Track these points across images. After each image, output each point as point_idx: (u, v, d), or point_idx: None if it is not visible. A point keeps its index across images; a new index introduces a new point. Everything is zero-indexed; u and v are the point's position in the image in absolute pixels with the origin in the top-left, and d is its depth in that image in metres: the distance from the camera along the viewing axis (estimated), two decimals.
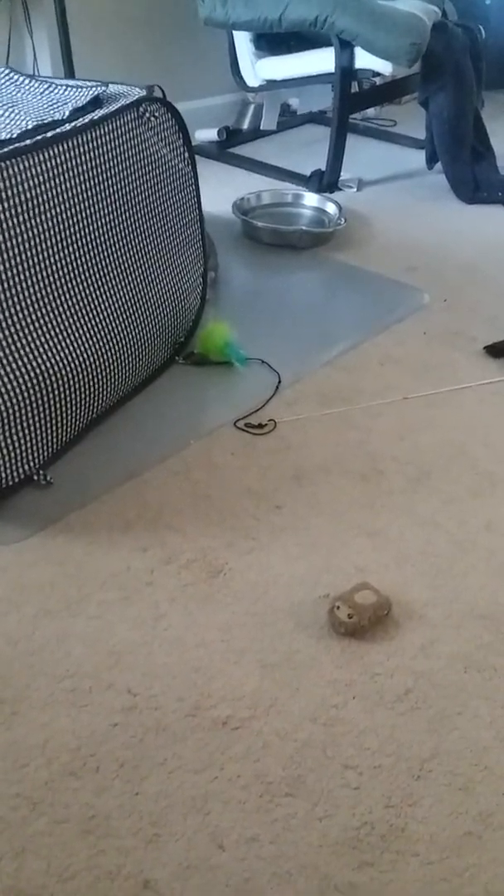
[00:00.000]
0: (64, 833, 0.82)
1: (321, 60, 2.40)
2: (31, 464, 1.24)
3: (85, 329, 1.26)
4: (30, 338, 1.15)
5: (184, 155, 1.45)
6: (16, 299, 1.11)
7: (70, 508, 1.23)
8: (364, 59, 2.32)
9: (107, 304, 1.30)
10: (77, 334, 1.24)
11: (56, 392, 1.22)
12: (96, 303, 1.28)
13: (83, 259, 1.22)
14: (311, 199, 2.38)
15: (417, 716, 0.94)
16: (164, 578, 1.12)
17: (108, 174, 1.24)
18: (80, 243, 1.21)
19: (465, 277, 2.03)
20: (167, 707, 0.94)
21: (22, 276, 1.11)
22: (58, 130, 1.15)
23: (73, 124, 1.18)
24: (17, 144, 1.08)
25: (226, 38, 2.61)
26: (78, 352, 1.24)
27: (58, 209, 1.15)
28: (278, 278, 1.99)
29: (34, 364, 1.16)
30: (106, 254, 1.27)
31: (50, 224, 1.14)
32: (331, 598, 1.08)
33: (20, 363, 1.14)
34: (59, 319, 1.20)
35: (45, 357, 1.18)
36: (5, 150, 1.06)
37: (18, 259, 1.10)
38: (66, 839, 0.81)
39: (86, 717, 0.93)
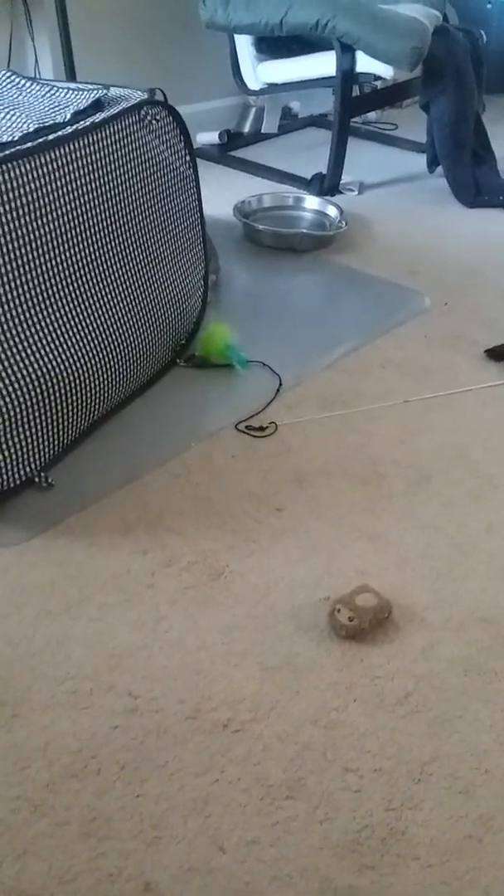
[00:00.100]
0: (65, 835, 0.82)
1: (322, 64, 2.41)
2: (33, 466, 1.24)
3: (86, 331, 1.26)
4: (31, 340, 1.15)
5: (185, 158, 1.45)
6: (17, 302, 1.11)
7: (71, 511, 1.23)
8: (365, 63, 2.33)
9: (108, 306, 1.30)
10: (78, 337, 1.24)
11: (57, 394, 1.22)
12: (97, 305, 1.28)
13: (84, 261, 1.23)
14: (312, 202, 2.38)
15: (418, 719, 0.94)
16: (165, 581, 1.12)
17: (110, 177, 1.24)
18: (81, 246, 1.21)
19: (466, 281, 2.03)
20: (168, 710, 0.94)
21: (23, 279, 1.11)
22: (59, 133, 1.15)
23: (74, 127, 1.18)
24: (18, 147, 1.09)
25: (227, 42, 2.62)
26: (79, 354, 1.25)
27: (59, 212, 1.15)
28: (279, 281, 2.00)
29: (36, 366, 1.17)
30: (107, 256, 1.28)
31: (51, 227, 1.14)
32: (331, 600, 1.08)
33: (22, 365, 1.14)
34: (60, 322, 1.20)
35: (46, 359, 1.18)
36: (7, 152, 1.06)
37: (20, 261, 1.10)
38: (67, 841, 0.81)
39: (86, 720, 0.93)
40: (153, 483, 1.30)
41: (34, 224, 1.10)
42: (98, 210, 1.23)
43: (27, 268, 1.11)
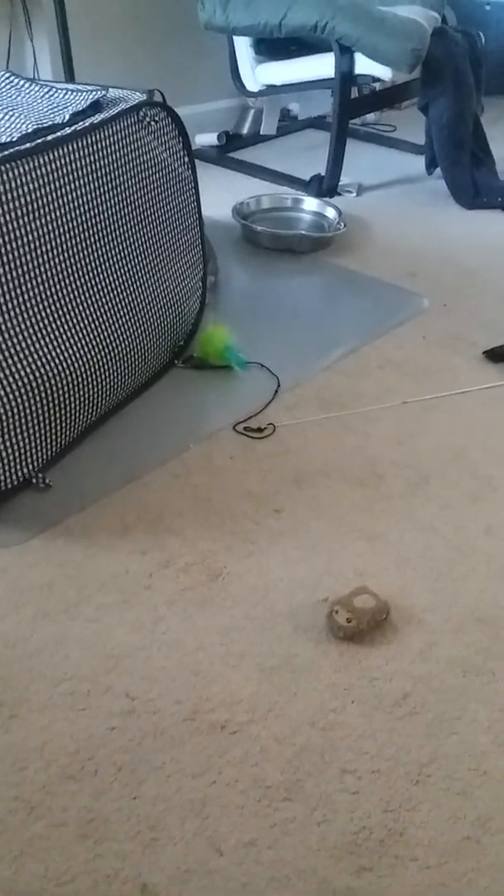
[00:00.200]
0: (62, 836, 0.82)
1: (321, 66, 2.41)
2: (31, 467, 1.24)
3: (84, 332, 1.26)
4: (29, 341, 1.15)
5: (184, 159, 1.45)
6: (15, 302, 1.11)
7: (69, 511, 1.23)
8: (364, 65, 2.33)
9: (106, 307, 1.30)
10: (76, 337, 1.24)
11: (55, 395, 1.22)
12: (96, 306, 1.28)
13: (83, 262, 1.23)
14: (310, 203, 2.38)
15: (416, 720, 0.94)
16: (163, 582, 1.12)
17: (108, 178, 1.24)
18: (79, 247, 1.21)
19: (465, 282, 2.03)
20: (165, 711, 0.94)
21: (21, 280, 1.11)
22: (58, 134, 1.15)
23: (73, 128, 1.18)
24: (17, 148, 1.09)
25: (226, 43, 2.62)
26: (77, 355, 1.25)
27: (57, 213, 1.15)
28: (278, 282, 2.00)
29: (34, 367, 1.17)
30: (105, 257, 1.28)
31: (49, 228, 1.14)
32: (330, 602, 1.08)
33: (20, 366, 1.14)
34: (58, 322, 1.20)
35: (44, 360, 1.18)
36: (5, 153, 1.06)
37: (17, 262, 1.10)
38: (64, 843, 0.81)
39: (84, 721, 0.93)
40: (152, 484, 1.30)
41: (32, 225, 1.10)
42: (96, 211, 1.23)
43: (25, 269, 1.11)
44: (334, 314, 1.86)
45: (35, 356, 1.17)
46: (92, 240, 1.23)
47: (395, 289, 1.97)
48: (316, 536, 1.21)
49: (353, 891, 0.78)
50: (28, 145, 1.10)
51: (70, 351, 1.23)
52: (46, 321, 1.18)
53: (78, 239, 1.20)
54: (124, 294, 1.34)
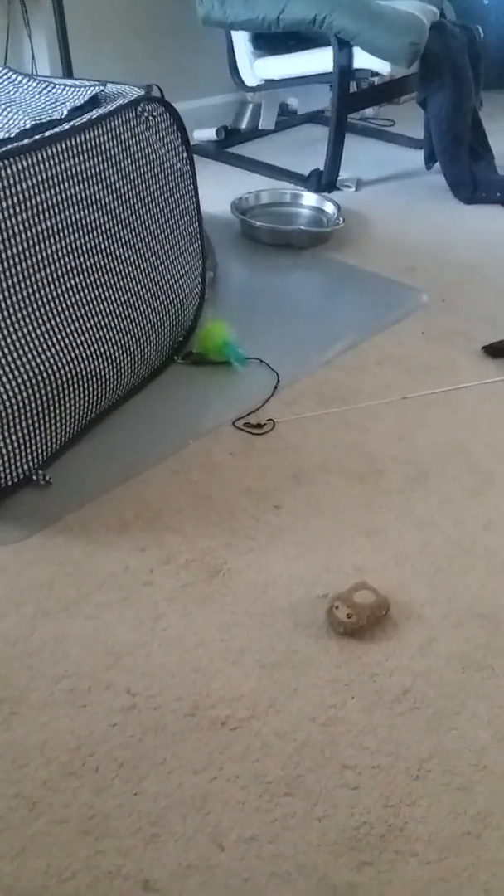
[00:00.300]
0: (63, 833, 0.82)
1: (319, 60, 2.40)
2: (30, 464, 1.24)
3: (83, 329, 1.26)
4: (28, 337, 1.15)
5: (182, 154, 1.45)
6: (14, 299, 1.11)
7: (69, 508, 1.23)
8: (362, 59, 2.32)
9: (105, 303, 1.30)
10: (75, 334, 1.24)
11: (55, 392, 1.22)
12: (95, 302, 1.28)
13: (81, 259, 1.22)
14: (309, 198, 2.38)
15: (416, 715, 0.94)
16: (163, 578, 1.12)
17: (107, 174, 1.24)
18: (77, 243, 1.21)
19: (464, 277, 2.03)
20: (166, 707, 0.94)
21: (20, 276, 1.11)
22: (56, 130, 1.15)
23: (71, 124, 1.18)
24: (15, 144, 1.08)
25: (224, 38, 2.61)
26: (77, 351, 1.24)
27: (56, 209, 1.14)
28: (277, 278, 1.99)
29: (32, 363, 1.16)
30: (104, 253, 1.27)
31: (48, 224, 1.14)
32: (329, 597, 1.08)
33: (19, 363, 1.14)
34: (57, 319, 1.20)
35: (43, 356, 1.18)
36: (3, 149, 1.06)
37: (16, 259, 1.10)
38: (65, 839, 0.81)
39: (85, 718, 0.93)
40: (151, 480, 1.30)
41: (30, 221, 1.10)
42: (95, 207, 1.23)
43: (23, 265, 1.11)
44: (333, 309, 1.86)
45: (34, 353, 1.16)
46: (91, 236, 1.23)
47: (394, 284, 1.97)
48: (315, 532, 1.21)
49: (354, 886, 0.78)
50: (26, 141, 1.09)
51: (69, 347, 1.23)
52: (45, 318, 1.18)
53: (77, 235, 1.20)
54: (123, 290, 1.34)
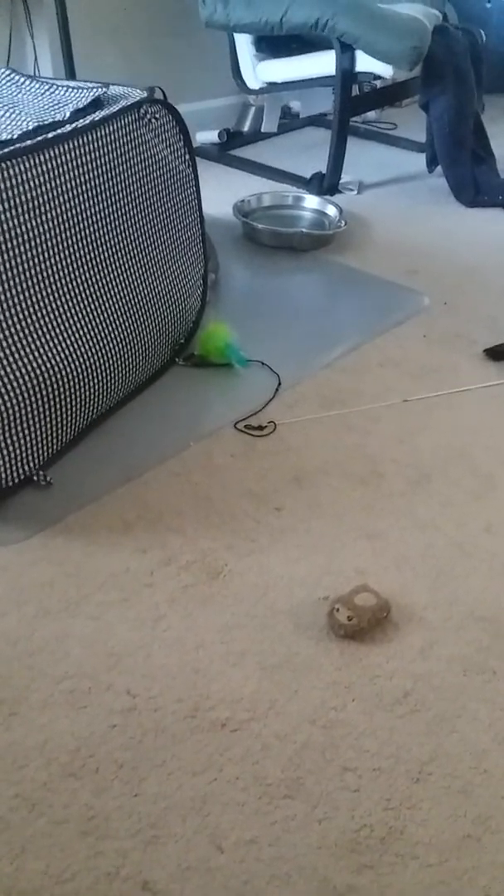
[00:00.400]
0: (63, 834, 0.82)
1: (322, 63, 2.41)
2: (31, 464, 1.24)
3: (85, 330, 1.26)
4: (30, 339, 1.15)
5: (184, 156, 1.45)
6: (16, 300, 1.11)
7: (70, 509, 1.23)
8: (365, 63, 2.33)
9: (107, 305, 1.30)
10: (77, 335, 1.24)
11: (56, 393, 1.22)
12: (96, 304, 1.28)
13: (83, 260, 1.22)
14: (311, 201, 2.38)
15: (416, 718, 0.94)
16: (164, 580, 1.12)
17: (109, 175, 1.24)
18: (80, 244, 1.21)
19: (466, 280, 2.03)
20: (166, 708, 0.94)
21: (22, 277, 1.11)
22: (58, 131, 1.15)
23: (73, 125, 1.18)
24: (17, 145, 1.08)
25: (227, 41, 2.61)
26: (78, 353, 1.25)
27: (58, 210, 1.15)
28: (279, 280, 1.99)
29: (34, 365, 1.16)
30: (106, 255, 1.27)
31: (50, 225, 1.14)
32: (330, 600, 1.08)
33: (20, 364, 1.14)
34: (59, 320, 1.20)
35: (45, 358, 1.18)
36: (6, 150, 1.06)
37: (18, 260, 1.10)
38: (64, 840, 0.81)
39: (85, 718, 0.93)
40: (152, 482, 1.30)
41: (33, 222, 1.10)
42: (97, 209, 1.23)
43: (25, 266, 1.11)
44: (335, 312, 1.86)
45: (36, 354, 1.16)
46: (93, 237, 1.23)
47: (396, 287, 1.97)
48: (316, 534, 1.21)
49: (354, 888, 0.78)
50: (29, 142, 1.10)
51: (70, 349, 1.23)
52: (47, 319, 1.18)
53: (79, 236, 1.20)
54: (125, 291, 1.34)
